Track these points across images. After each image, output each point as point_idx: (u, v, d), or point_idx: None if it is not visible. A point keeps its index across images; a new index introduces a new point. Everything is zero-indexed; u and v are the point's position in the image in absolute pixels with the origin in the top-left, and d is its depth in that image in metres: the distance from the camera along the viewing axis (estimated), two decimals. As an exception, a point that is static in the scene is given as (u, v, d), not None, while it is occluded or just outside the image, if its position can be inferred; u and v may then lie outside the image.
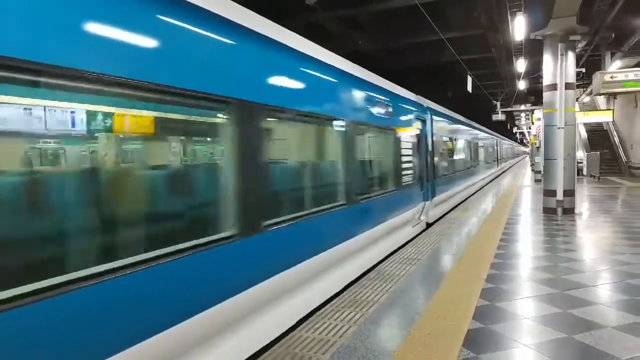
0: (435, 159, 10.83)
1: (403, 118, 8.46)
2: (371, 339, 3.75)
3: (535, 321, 4.09)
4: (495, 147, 28.84)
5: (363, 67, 7.50)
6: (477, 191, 17.59)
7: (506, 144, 43.27)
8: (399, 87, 8.98)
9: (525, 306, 4.53)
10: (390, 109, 7.65)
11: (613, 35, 14.40)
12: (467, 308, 4.39)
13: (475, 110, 31.41)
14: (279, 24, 4.81)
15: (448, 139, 13.18)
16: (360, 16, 16.20)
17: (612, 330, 3.80)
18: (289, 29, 5.08)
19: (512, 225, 9.30)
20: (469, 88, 18.21)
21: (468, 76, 17.84)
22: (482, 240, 7.81)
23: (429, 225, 10.02)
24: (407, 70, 22.39)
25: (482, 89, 25.63)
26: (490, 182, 23.08)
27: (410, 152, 8.62)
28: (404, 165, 8.23)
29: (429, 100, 11.34)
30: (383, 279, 5.45)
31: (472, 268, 5.93)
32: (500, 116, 30.68)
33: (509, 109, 31.22)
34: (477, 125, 21.15)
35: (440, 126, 11.77)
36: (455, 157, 14.05)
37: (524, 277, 5.56)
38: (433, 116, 10.86)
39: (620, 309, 4.33)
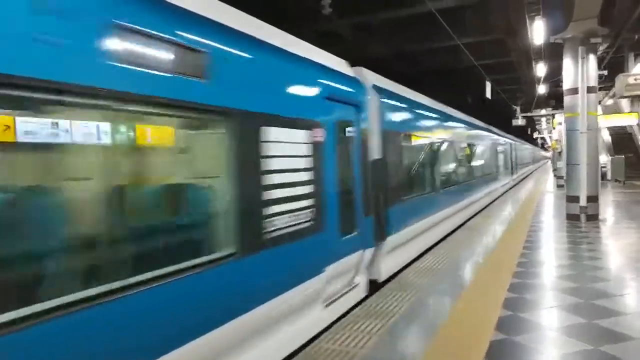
0: (392, 172, 6.67)
1: (290, 97, 4.32)
2: (392, 350, 3.72)
3: (559, 332, 3.99)
4: (510, 153, 24.05)
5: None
6: (478, 212, 13.40)
7: (525, 148, 37.45)
8: (295, 40, 4.78)
9: (549, 316, 4.43)
10: (235, 72, 3.52)
11: (636, 37, 14.09)
12: (489, 318, 4.32)
13: (495, 115, 31.05)
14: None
15: (421, 140, 8.76)
16: (375, 23, 16.23)
17: (641, 342, 3.68)
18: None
19: (534, 232, 9.12)
20: (488, 94, 17.98)
21: (487, 82, 17.64)
22: (504, 248, 7.68)
23: (378, 285, 5.95)
24: (423, 75, 22.28)
25: (501, 94, 25.32)
26: (503, 194, 19.09)
27: (310, 164, 4.43)
28: (286, 194, 4.02)
29: (379, 76, 7.10)
30: (403, 289, 5.39)
31: (494, 277, 5.83)
32: (520, 121, 30.26)
33: (529, 114, 30.76)
34: (478, 123, 16.13)
35: (402, 119, 7.56)
36: (436, 168, 9.55)
37: (547, 286, 5.44)
38: (384, 102, 6.59)
39: (649, 320, 4.19)
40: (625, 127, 24.94)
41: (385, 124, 6.50)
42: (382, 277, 6.23)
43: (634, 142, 25.13)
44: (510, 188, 22.11)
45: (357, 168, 5.60)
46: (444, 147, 10.44)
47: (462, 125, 12.96)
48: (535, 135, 61.98)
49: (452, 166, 11.18)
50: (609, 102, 24.34)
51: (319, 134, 4.63)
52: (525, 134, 51.43)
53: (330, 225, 4.72)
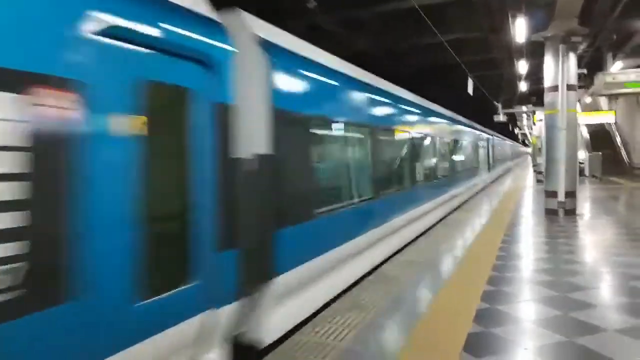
0: (289, 175, 4.45)
1: None
2: (371, 343, 3.76)
3: (536, 324, 4.08)
4: (487, 148, 21.86)
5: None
6: (442, 219, 10.91)
7: (504, 143, 34.78)
8: None
9: (526, 309, 4.52)
10: None
11: (615, 36, 14.39)
12: (468, 311, 4.39)
13: (479, 111, 31.47)
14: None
15: (346, 129, 6.20)
16: (362, 18, 16.26)
17: (614, 334, 3.79)
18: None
19: (513, 226, 9.29)
20: (470, 90, 18.19)
21: (469, 79, 17.84)
22: (483, 241, 7.80)
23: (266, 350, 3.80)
24: (411, 71, 22.42)
25: (484, 91, 25.63)
26: (476, 194, 16.75)
27: (18, 163, 2.01)
28: None
29: (276, 29, 4.74)
30: (384, 282, 5.45)
31: (473, 270, 5.93)
32: (502, 117, 30.72)
33: (510, 110, 31.26)
34: (442, 111, 12.83)
35: (312, 95, 5.15)
36: (371, 168, 6.80)
37: (525, 279, 5.55)
38: (280, 65, 4.37)
39: (622, 312, 4.31)
40: (603, 124, 25.57)
41: (279, 101, 4.15)
42: (269, 339, 3.91)
43: (612, 139, 25.78)
44: (485, 187, 19.52)
45: (205, 170, 3.22)
46: (383, 139, 7.49)
47: (416, 112, 9.64)
48: (517, 131, 62.99)
49: (397, 165, 8.36)
50: (588, 100, 24.88)
51: (61, 103, 2.22)
52: (506, 129, 52.22)
53: (100, 284, 2.39)
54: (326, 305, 4.78)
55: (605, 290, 5.06)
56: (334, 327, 4.03)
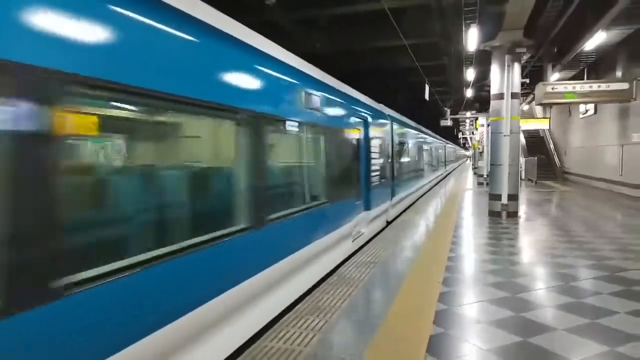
0: None
1: None
2: (336, 347, 3.73)
3: (493, 325, 4.23)
4: (396, 147, 12.32)
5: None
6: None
7: (438, 144, 27.53)
8: None
9: (482, 310, 4.68)
10: None
11: (556, 49, 15.34)
12: (428, 312, 4.48)
13: (427, 115, 32.48)
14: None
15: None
16: (319, 18, 16.28)
17: (563, 333, 4.01)
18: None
19: (461, 228, 9.65)
20: (427, 96, 18.64)
21: (426, 84, 18.29)
22: (435, 242, 8.03)
23: None
24: (364, 73, 22.72)
25: (434, 96, 26.47)
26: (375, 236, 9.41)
27: None
28: None
29: None
30: (344, 284, 5.45)
31: (429, 271, 6.07)
32: (449, 122, 31.85)
33: (458, 116, 32.50)
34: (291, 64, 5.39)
35: None
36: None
37: (477, 280, 5.76)
38: None
39: (568, 311, 4.57)
40: (538, 130, 27.27)
41: None
42: None
43: (545, 145, 27.53)
44: (396, 217, 11.72)
45: None
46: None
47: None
48: (460, 135, 65.77)
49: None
50: (525, 107, 26.44)
51: None
52: (452, 133, 54.39)
53: None
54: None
55: (551, 291, 5.35)
56: (299, 332, 3.97)
